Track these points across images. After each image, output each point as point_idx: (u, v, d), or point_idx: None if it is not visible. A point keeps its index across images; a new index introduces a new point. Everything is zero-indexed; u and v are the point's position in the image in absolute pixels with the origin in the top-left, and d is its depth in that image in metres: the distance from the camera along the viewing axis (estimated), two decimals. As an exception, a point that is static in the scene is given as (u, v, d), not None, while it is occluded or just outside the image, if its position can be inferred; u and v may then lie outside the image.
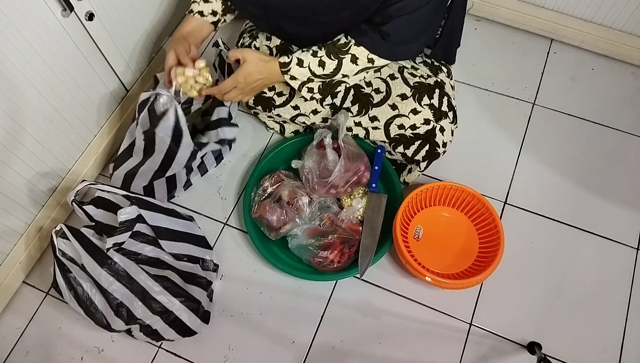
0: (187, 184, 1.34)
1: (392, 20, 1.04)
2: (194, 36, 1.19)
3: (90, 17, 1.10)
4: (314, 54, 1.10)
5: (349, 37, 1.09)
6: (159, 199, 1.29)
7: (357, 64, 1.10)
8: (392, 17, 1.03)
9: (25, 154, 1.10)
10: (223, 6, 1.20)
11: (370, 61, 1.10)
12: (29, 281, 1.26)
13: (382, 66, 1.15)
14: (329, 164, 1.22)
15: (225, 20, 1.24)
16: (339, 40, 1.10)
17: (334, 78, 1.14)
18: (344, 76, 1.13)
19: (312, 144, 1.25)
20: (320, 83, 1.18)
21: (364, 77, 1.22)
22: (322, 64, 1.10)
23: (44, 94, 1.08)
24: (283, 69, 1.12)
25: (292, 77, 1.13)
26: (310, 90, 1.17)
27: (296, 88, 1.16)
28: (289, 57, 1.12)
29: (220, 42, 1.22)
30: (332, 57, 1.09)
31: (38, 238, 1.24)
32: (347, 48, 1.09)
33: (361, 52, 1.08)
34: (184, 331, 1.13)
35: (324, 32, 1.12)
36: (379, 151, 1.27)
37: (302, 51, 1.12)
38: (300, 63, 1.11)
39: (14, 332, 1.21)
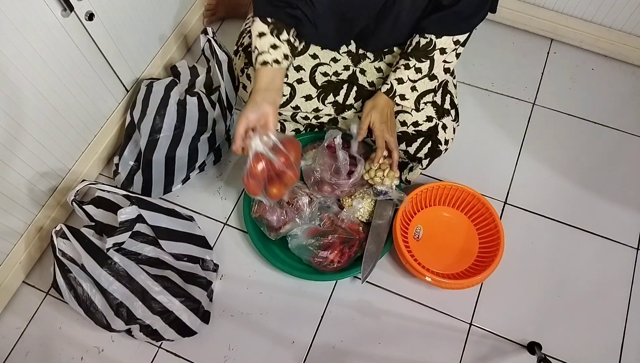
0: (186, 179, 1.34)
1: (458, 3, 1.05)
2: (270, 90, 1.07)
3: (90, 17, 1.10)
4: (407, 67, 1.14)
5: (426, 35, 1.11)
6: (156, 192, 1.29)
7: (446, 52, 1.13)
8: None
9: (25, 154, 1.10)
10: (290, 47, 1.12)
11: (456, 43, 1.12)
12: (29, 281, 1.26)
13: (467, 40, 1.15)
14: (340, 165, 1.22)
15: (294, 58, 1.23)
16: (419, 42, 1.12)
17: (434, 73, 1.16)
18: (437, 69, 1.15)
19: (323, 145, 1.25)
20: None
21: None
22: (418, 70, 1.14)
23: (44, 94, 1.08)
24: (390, 95, 1.16)
25: (402, 97, 1.16)
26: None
27: (412, 107, 1.19)
28: (388, 84, 1.16)
29: (208, 30, 1.23)
30: (424, 60, 1.13)
31: (38, 238, 1.24)
32: (432, 46, 1.12)
33: (445, 42, 1.11)
34: (184, 331, 1.13)
35: (392, 33, 1.16)
36: None
37: (394, 71, 1.16)
38: (400, 81, 1.15)
39: (14, 332, 1.21)
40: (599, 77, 1.50)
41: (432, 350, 1.17)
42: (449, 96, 1.24)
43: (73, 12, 1.05)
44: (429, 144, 1.22)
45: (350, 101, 1.25)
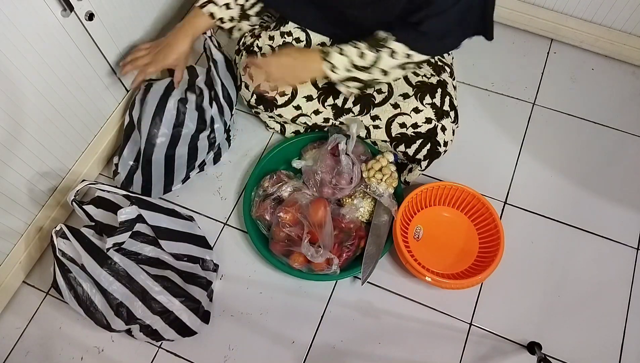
0: (185, 179, 1.34)
1: (429, 20, 1.03)
2: (194, 39, 1.21)
3: (90, 17, 1.10)
4: (354, 45, 1.10)
5: (387, 33, 1.08)
6: (156, 191, 1.29)
7: (395, 58, 1.08)
8: (428, 17, 1.03)
9: (25, 154, 1.10)
10: (240, 12, 1.20)
11: (408, 56, 1.08)
12: (29, 281, 1.26)
13: (422, 62, 1.12)
14: (342, 170, 1.22)
15: (240, 29, 1.25)
16: (378, 34, 1.09)
17: (372, 75, 1.11)
18: (382, 71, 1.11)
19: (326, 148, 1.25)
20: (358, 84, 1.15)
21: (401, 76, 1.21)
22: (361, 55, 1.09)
23: (44, 94, 1.08)
24: (323, 55, 1.11)
25: (333, 66, 1.11)
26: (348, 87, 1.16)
27: (336, 81, 1.14)
28: (329, 47, 1.13)
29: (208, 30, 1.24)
30: (371, 50, 1.08)
31: (38, 238, 1.24)
32: (386, 42, 1.08)
33: (399, 47, 1.07)
34: (184, 331, 1.13)
35: (350, 32, 1.14)
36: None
37: (341, 45, 1.12)
38: (341, 51, 1.10)
39: (14, 332, 1.21)
40: (599, 77, 1.50)
41: (432, 350, 1.17)
42: (448, 97, 1.23)
43: (73, 12, 1.05)
44: (428, 146, 1.22)
45: (349, 105, 1.25)
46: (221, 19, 1.19)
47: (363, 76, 1.12)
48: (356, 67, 1.10)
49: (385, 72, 1.11)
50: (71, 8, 1.04)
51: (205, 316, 1.18)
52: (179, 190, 1.34)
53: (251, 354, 1.18)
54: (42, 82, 1.06)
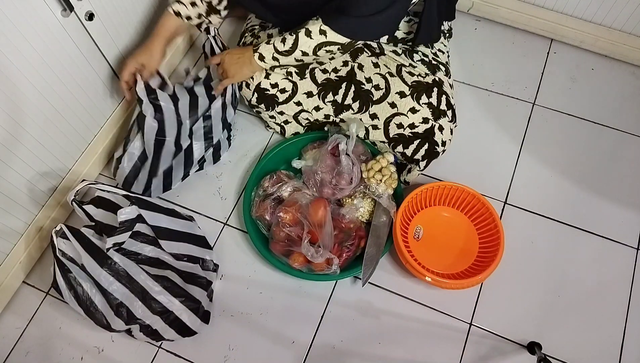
0: (185, 176, 1.33)
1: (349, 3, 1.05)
2: (168, 41, 1.23)
3: (90, 17, 1.10)
4: (280, 33, 1.16)
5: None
6: (155, 191, 1.29)
7: (311, 37, 1.11)
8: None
9: (25, 154, 1.10)
10: (207, 8, 1.23)
11: (323, 33, 1.09)
12: (29, 281, 1.26)
13: (342, 45, 1.12)
14: (342, 170, 1.22)
15: (210, 22, 1.27)
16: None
17: (295, 56, 1.15)
18: (304, 53, 1.13)
19: (326, 148, 1.25)
20: (295, 66, 1.22)
21: (330, 58, 1.22)
22: (283, 40, 1.14)
23: (44, 94, 1.08)
24: (254, 48, 1.18)
25: (261, 55, 1.17)
26: (289, 74, 1.24)
27: (266, 68, 1.21)
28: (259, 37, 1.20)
29: (211, 30, 1.25)
30: (291, 33, 1.13)
31: (38, 238, 1.24)
32: (302, 25, 1.12)
33: (313, 25, 1.10)
34: (184, 331, 1.13)
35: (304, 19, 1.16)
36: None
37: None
38: (268, 42, 1.16)
39: (14, 332, 1.21)
40: (599, 77, 1.50)
41: (432, 350, 1.17)
42: (444, 96, 1.23)
43: (73, 12, 1.05)
44: (426, 146, 1.22)
45: (349, 101, 1.25)
46: (188, 17, 1.21)
47: (286, 60, 1.17)
48: (279, 52, 1.15)
49: (306, 54, 1.14)
50: (71, 8, 1.04)
51: (205, 316, 1.18)
52: (179, 190, 1.34)
53: (251, 354, 1.18)
54: (42, 82, 1.06)
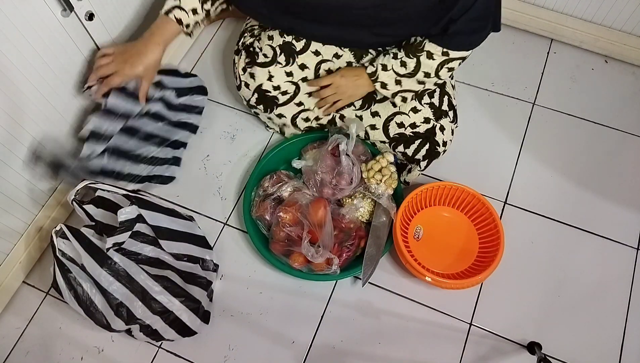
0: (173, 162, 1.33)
1: (456, 22, 1.04)
2: (163, 46, 1.16)
3: (90, 17, 1.10)
4: (395, 56, 1.13)
5: (421, 37, 1.11)
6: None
7: (433, 59, 1.10)
8: (453, 19, 1.03)
9: (25, 154, 1.10)
10: (206, 17, 1.19)
11: (445, 54, 1.10)
12: (29, 281, 1.26)
13: (464, 58, 1.13)
14: (343, 170, 1.22)
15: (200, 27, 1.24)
16: (415, 40, 1.12)
17: (417, 78, 1.14)
18: (426, 74, 1.13)
19: (326, 148, 1.25)
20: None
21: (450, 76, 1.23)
22: (403, 64, 1.12)
23: (44, 94, 1.08)
24: (372, 78, 1.16)
25: (383, 84, 1.16)
26: (404, 99, 1.21)
27: (390, 96, 1.19)
28: (374, 66, 1.16)
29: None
30: (411, 56, 1.12)
31: (38, 238, 1.24)
32: (421, 46, 1.10)
33: (434, 48, 1.09)
34: (184, 331, 1.13)
35: (342, 32, 1.14)
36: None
37: (383, 56, 1.15)
38: (384, 67, 1.14)
39: (14, 332, 1.21)
40: (599, 77, 1.50)
41: (432, 350, 1.17)
42: (446, 97, 1.24)
43: (73, 12, 1.05)
44: (427, 146, 1.22)
45: None
46: (187, 25, 1.16)
47: (411, 84, 1.15)
48: (402, 76, 1.14)
49: (428, 75, 1.13)
50: (71, 8, 1.04)
51: (205, 316, 1.18)
52: (179, 190, 1.35)
53: (251, 354, 1.18)
54: (42, 82, 1.06)
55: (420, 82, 1.15)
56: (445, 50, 1.09)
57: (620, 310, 1.21)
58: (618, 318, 1.20)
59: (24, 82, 1.02)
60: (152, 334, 1.11)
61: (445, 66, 1.12)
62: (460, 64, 1.14)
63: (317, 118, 1.31)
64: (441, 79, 1.16)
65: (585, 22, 1.46)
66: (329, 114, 1.29)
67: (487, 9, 1.05)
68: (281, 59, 1.23)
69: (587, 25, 1.46)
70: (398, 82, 1.15)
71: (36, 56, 1.02)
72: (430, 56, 1.10)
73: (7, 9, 0.92)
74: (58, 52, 1.07)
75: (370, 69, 1.16)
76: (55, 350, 1.19)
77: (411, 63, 1.12)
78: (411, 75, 1.13)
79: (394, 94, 1.18)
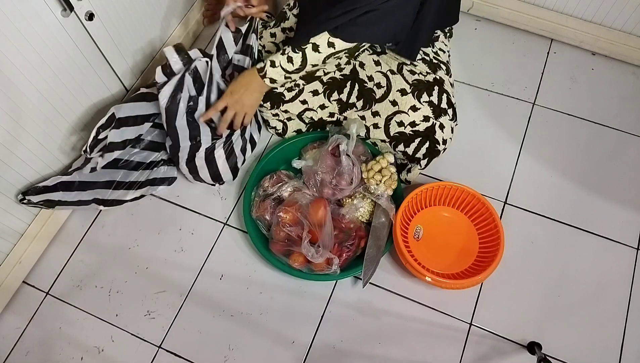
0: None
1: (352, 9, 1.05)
2: None
3: (90, 17, 1.10)
4: (283, 52, 1.14)
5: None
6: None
7: (319, 52, 1.12)
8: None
9: (25, 154, 1.10)
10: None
11: (331, 45, 1.11)
12: (29, 281, 1.26)
13: (347, 50, 1.14)
14: (343, 170, 1.22)
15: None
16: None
17: (306, 70, 1.15)
18: (314, 66, 1.15)
19: (326, 148, 1.25)
20: (302, 76, 1.20)
21: (339, 63, 1.25)
22: (290, 59, 1.13)
23: (44, 94, 1.08)
24: (261, 74, 1.16)
25: (272, 80, 1.16)
26: (297, 85, 1.24)
27: (278, 89, 1.20)
28: (263, 62, 1.16)
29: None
30: (296, 50, 1.12)
31: (38, 238, 1.24)
32: (306, 40, 1.11)
33: (318, 38, 1.10)
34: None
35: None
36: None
37: (276, 52, 1.16)
38: (273, 64, 1.15)
39: (14, 332, 1.21)
40: (599, 77, 1.50)
41: (432, 350, 1.17)
42: (445, 95, 1.24)
43: (73, 12, 1.05)
44: (427, 144, 1.22)
45: (353, 99, 1.26)
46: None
47: (297, 75, 1.17)
48: (290, 72, 1.15)
49: (315, 65, 1.15)
50: (71, 8, 1.04)
51: (235, 170, 1.33)
52: (179, 190, 1.35)
53: (251, 354, 1.18)
54: (42, 82, 1.06)
55: (309, 72, 1.17)
56: (331, 40, 1.10)
57: (620, 310, 1.20)
58: (618, 318, 1.20)
59: (23, 82, 1.02)
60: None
61: (332, 57, 1.13)
62: (346, 54, 1.15)
63: (321, 119, 1.31)
64: (327, 66, 1.19)
65: (585, 22, 1.46)
66: (332, 116, 1.29)
67: (388, 5, 1.06)
68: None
69: (587, 25, 1.46)
70: (286, 77, 1.17)
71: (36, 56, 1.02)
72: (316, 48, 1.11)
73: (7, 9, 0.92)
74: (58, 52, 1.07)
75: (259, 65, 1.17)
76: (55, 350, 1.19)
77: (297, 58, 1.13)
78: (299, 70, 1.14)
79: (282, 85, 1.21)
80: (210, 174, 1.28)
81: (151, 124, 1.26)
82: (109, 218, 1.33)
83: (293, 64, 1.13)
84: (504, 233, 1.18)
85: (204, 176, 1.29)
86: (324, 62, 1.14)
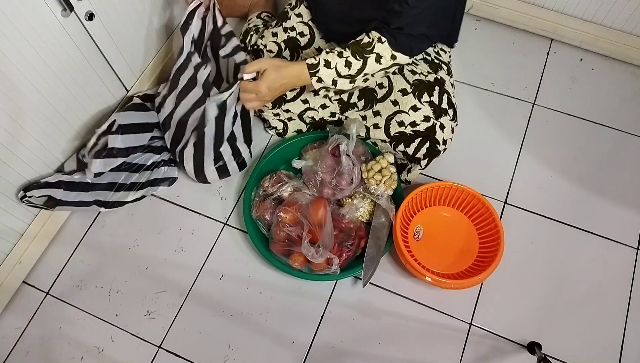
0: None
1: (401, 14, 1.05)
2: None
3: (90, 17, 1.10)
4: (340, 55, 1.11)
5: (371, 35, 1.09)
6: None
7: (380, 63, 1.10)
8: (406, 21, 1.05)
9: (25, 154, 1.10)
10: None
11: (393, 57, 1.10)
12: (29, 281, 1.26)
13: (401, 65, 1.15)
14: (343, 170, 1.22)
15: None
16: (362, 39, 1.10)
17: (355, 78, 1.13)
18: (365, 76, 1.12)
19: (326, 148, 1.25)
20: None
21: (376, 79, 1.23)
22: (348, 64, 1.11)
23: (44, 94, 1.08)
24: (311, 71, 1.12)
25: (319, 79, 1.12)
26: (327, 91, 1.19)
27: (317, 89, 1.16)
28: (316, 59, 1.11)
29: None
30: (358, 57, 1.10)
31: (38, 238, 1.24)
32: (371, 47, 1.09)
33: (384, 50, 1.08)
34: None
35: (355, 29, 1.14)
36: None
37: (327, 52, 1.12)
38: (327, 64, 1.11)
39: (14, 332, 1.21)
40: (599, 77, 1.50)
41: (432, 350, 1.17)
42: (446, 95, 1.24)
43: (73, 12, 1.05)
44: (427, 145, 1.22)
45: (354, 99, 1.26)
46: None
47: (345, 85, 1.14)
48: (341, 76, 1.12)
49: (367, 76, 1.13)
50: (71, 8, 1.04)
51: (242, 165, 1.34)
52: (179, 190, 1.35)
53: (251, 354, 1.18)
54: (42, 82, 1.06)
55: (351, 83, 1.14)
56: (394, 53, 1.09)
57: (620, 310, 1.21)
58: (618, 318, 1.20)
59: (24, 82, 1.02)
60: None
61: (385, 70, 1.13)
62: (397, 68, 1.17)
63: (322, 119, 1.31)
64: (368, 84, 1.18)
65: (585, 22, 1.46)
66: (333, 115, 1.29)
67: (437, 14, 1.08)
68: (286, 54, 1.24)
69: (587, 25, 1.46)
70: (334, 82, 1.13)
71: (36, 56, 1.02)
72: (378, 59, 1.09)
73: (7, 9, 0.92)
74: (58, 52, 1.07)
75: (311, 61, 1.12)
76: (55, 350, 1.19)
77: (357, 64, 1.10)
78: (351, 77, 1.12)
79: (319, 90, 1.16)
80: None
81: (152, 135, 1.28)
82: (109, 218, 1.33)
83: (350, 68, 1.10)
84: (504, 233, 1.18)
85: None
86: (373, 75, 1.13)
